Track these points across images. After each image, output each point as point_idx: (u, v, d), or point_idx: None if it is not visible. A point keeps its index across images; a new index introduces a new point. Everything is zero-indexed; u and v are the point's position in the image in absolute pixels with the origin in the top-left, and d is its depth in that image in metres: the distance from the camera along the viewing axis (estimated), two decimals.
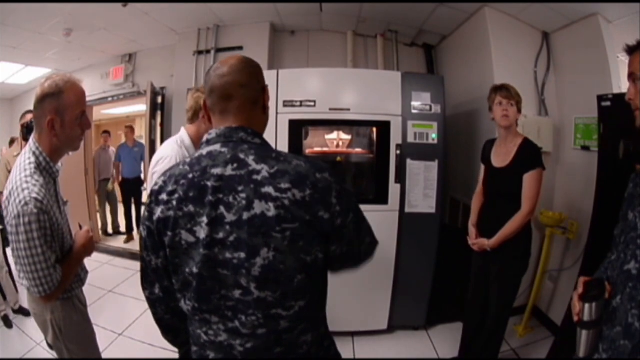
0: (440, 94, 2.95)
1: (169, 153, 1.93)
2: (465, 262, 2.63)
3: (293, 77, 2.96)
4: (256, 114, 1.10)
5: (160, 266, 1.07)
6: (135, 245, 5.54)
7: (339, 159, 3.09)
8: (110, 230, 6.27)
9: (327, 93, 2.91)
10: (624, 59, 1.47)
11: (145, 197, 1.16)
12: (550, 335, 3.09)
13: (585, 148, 2.96)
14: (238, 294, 0.98)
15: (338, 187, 1.04)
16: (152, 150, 4.67)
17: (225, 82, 1.05)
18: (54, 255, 1.41)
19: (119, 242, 5.89)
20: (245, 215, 0.96)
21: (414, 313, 3.19)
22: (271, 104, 2.82)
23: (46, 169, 1.46)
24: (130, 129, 6.20)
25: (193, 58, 4.37)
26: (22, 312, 3.34)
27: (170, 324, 1.18)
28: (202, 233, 0.98)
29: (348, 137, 3.18)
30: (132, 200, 6.02)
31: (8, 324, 3.24)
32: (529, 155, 2.27)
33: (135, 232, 5.99)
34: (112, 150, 6.29)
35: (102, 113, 7.75)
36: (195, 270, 0.99)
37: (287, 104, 2.89)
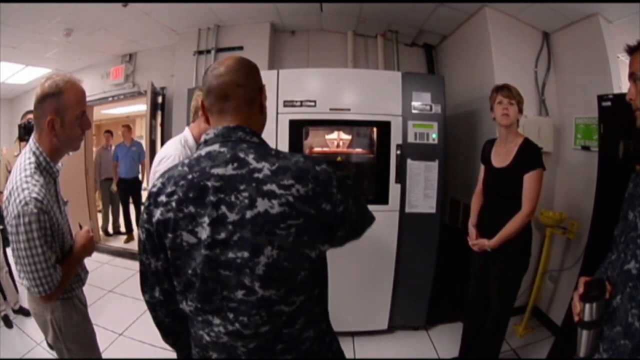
0: (441, 94, 2.95)
1: (172, 152, 1.94)
2: (466, 262, 2.63)
3: (293, 77, 2.96)
4: (253, 114, 1.11)
5: (160, 269, 1.06)
6: (135, 245, 5.53)
7: (339, 159, 3.09)
8: (110, 230, 6.27)
9: (328, 93, 2.91)
10: (625, 59, 1.47)
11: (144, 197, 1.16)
12: (550, 336, 3.09)
13: (585, 148, 2.96)
14: (241, 294, 0.98)
15: (336, 176, 1.06)
16: (153, 150, 4.68)
17: (222, 82, 1.05)
18: (54, 255, 1.41)
19: (119, 242, 5.89)
20: (248, 214, 0.95)
21: (414, 313, 3.19)
22: (272, 104, 2.86)
23: (46, 169, 1.46)
24: (127, 128, 6.15)
25: (193, 58, 4.37)
26: (22, 312, 3.34)
27: (171, 327, 1.17)
28: (203, 233, 0.97)
29: (348, 137, 3.18)
30: (130, 200, 5.99)
31: (8, 323, 3.24)
32: (530, 156, 2.27)
33: (135, 232, 5.98)
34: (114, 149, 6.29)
35: (102, 113, 7.76)
36: (197, 271, 0.99)
37: (288, 104, 2.89)
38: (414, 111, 2.92)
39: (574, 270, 2.93)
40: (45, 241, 1.35)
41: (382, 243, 2.99)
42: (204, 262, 0.98)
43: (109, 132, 6.45)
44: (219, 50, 4.29)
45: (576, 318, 1.13)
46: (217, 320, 1.02)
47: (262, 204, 0.95)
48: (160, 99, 4.81)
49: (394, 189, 2.94)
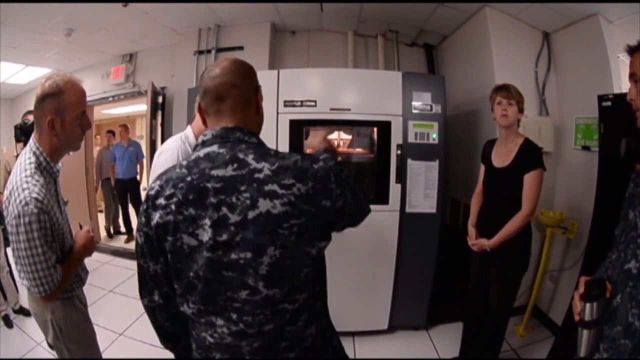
0: (441, 94, 2.95)
1: (171, 146, 1.94)
2: (466, 262, 2.63)
3: (294, 77, 2.96)
4: (250, 114, 1.11)
5: (160, 272, 1.05)
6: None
7: (339, 158, 3.08)
8: (112, 230, 6.25)
9: (328, 93, 2.91)
10: (625, 59, 1.47)
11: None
12: (550, 335, 3.08)
13: (585, 148, 2.96)
14: (245, 294, 0.98)
15: (333, 172, 1.07)
16: (153, 150, 4.67)
17: (217, 83, 1.06)
18: (54, 255, 1.41)
19: (119, 242, 5.89)
20: (250, 215, 0.95)
21: (415, 313, 3.18)
22: (272, 104, 2.86)
23: (46, 169, 1.46)
24: (125, 128, 6.10)
25: (194, 58, 4.37)
26: (23, 312, 3.34)
27: (170, 330, 1.16)
28: (205, 236, 0.97)
29: (349, 137, 3.18)
30: (127, 200, 5.95)
31: (9, 323, 3.24)
32: (530, 156, 2.26)
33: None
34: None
35: (102, 113, 7.75)
36: (200, 273, 0.98)
37: (288, 104, 2.89)
38: (414, 111, 2.91)
39: (574, 270, 2.92)
40: (45, 241, 1.35)
41: (382, 243, 2.99)
42: (207, 264, 0.97)
43: (111, 132, 6.43)
44: (220, 50, 4.29)
45: (577, 317, 1.13)
46: (220, 321, 1.02)
47: (263, 204, 0.95)
48: (160, 99, 4.81)
49: (395, 188, 2.94)
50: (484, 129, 3.35)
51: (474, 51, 3.62)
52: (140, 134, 7.98)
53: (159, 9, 3.87)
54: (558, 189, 3.32)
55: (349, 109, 2.89)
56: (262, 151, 1.03)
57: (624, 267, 1.08)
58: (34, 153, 1.44)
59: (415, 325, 3.26)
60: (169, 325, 1.15)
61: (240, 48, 4.24)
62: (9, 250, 1.86)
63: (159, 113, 4.79)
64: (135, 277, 1.12)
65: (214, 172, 0.98)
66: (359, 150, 3.19)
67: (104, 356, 1.90)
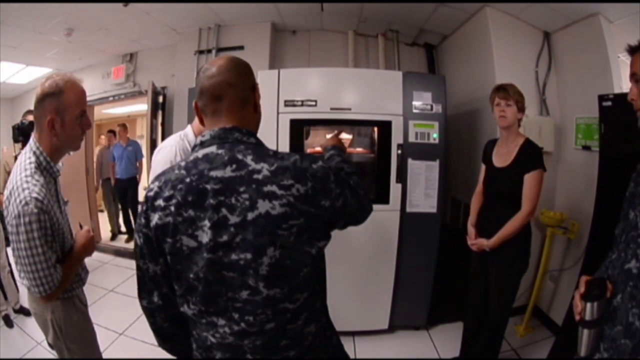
0: (442, 93, 2.95)
1: (170, 143, 1.94)
2: (466, 262, 2.63)
3: (294, 76, 2.95)
4: (248, 113, 1.11)
5: (159, 273, 1.05)
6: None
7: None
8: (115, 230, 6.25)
9: (328, 93, 2.91)
10: (625, 59, 1.47)
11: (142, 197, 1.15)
12: (551, 335, 3.08)
13: (586, 148, 2.95)
14: (246, 295, 0.98)
15: (332, 171, 1.07)
16: (153, 150, 4.67)
17: (214, 83, 1.05)
18: (54, 255, 1.41)
19: (120, 242, 5.90)
20: (250, 216, 0.95)
21: (415, 313, 3.19)
22: (272, 104, 2.86)
23: (46, 169, 1.46)
24: (123, 128, 6.06)
25: (194, 57, 4.37)
26: (23, 311, 3.34)
27: (169, 332, 1.16)
28: (204, 237, 0.97)
29: (349, 136, 3.17)
30: (127, 200, 5.92)
31: (9, 323, 3.24)
32: (530, 156, 2.26)
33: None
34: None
35: (103, 113, 7.75)
36: (200, 274, 0.98)
37: (288, 103, 2.89)
38: (414, 111, 2.91)
39: (574, 270, 2.92)
40: (45, 241, 1.35)
41: (382, 243, 2.99)
42: (207, 265, 0.97)
43: (112, 132, 6.41)
44: (220, 49, 4.29)
45: (577, 317, 1.13)
46: (222, 322, 1.02)
47: (262, 205, 0.95)
48: (161, 99, 4.81)
49: (395, 188, 2.94)
50: (485, 128, 3.35)
51: (475, 51, 3.62)
52: (140, 133, 7.97)
53: (159, 9, 3.87)
54: (558, 189, 3.32)
55: (350, 109, 2.89)
56: (261, 152, 1.02)
57: (624, 267, 1.07)
58: (34, 153, 1.44)
59: (416, 325, 3.26)
60: (167, 326, 1.14)
61: (241, 48, 4.24)
62: (10, 250, 1.86)
63: (160, 113, 4.79)
64: (135, 277, 1.11)
65: (213, 173, 0.98)
66: (359, 149, 3.19)
67: (104, 356, 1.90)
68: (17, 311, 3.39)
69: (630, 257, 1.06)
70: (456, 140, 3.83)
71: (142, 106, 5.36)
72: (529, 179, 2.23)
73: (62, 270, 1.43)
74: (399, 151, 2.90)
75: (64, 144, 1.50)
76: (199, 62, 4.34)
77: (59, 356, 1.63)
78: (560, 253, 3.20)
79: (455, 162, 3.88)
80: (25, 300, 2.59)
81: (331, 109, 2.89)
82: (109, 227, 6.17)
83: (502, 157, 2.39)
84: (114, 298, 3.92)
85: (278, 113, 2.88)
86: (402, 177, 2.93)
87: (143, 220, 1.03)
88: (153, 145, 4.69)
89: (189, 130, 2.02)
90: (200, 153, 1.03)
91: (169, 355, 1.24)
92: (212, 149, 1.02)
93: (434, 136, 2.93)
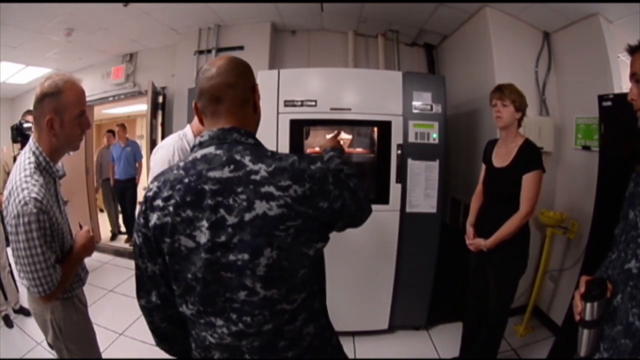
0: (441, 93, 2.95)
1: (168, 142, 1.93)
2: (466, 262, 2.63)
3: (294, 76, 2.95)
4: (247, 114, 1.10)
5: (158, 273, 1.05)
6: None
7: None
8: (115, 231, 6.24)
9: (328, 93, 2.91)
10: (625, 59, 1.47)
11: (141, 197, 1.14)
12: (550, 335, 3.09)
13: (586, 148, 2.95)
14: (243, 295, 0.98)
15: (331, 173, 1.07)
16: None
17: (213, 84, 1.05)
18: (54, 255, 1.41)
19: (120, 242, 5.89)
20: (247, 217, 0.95)
21: (415, 313, 3.19)
22: (272, 104, 2.86)
23: (46, 169, 1.46)
24: (122, 128, 6.03)
25: (194, 58, 4.37)
26: (23, 311, 3.34)
27: (167, 332, 1.16)
28: (202, 237, 0.97)
29: (349, 136, 3.17)
30: (125, 201, 5.90)
31: (9, 323, 3.24)
32: (529, 156, 2.26)
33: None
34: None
35: (103, 113, 7.75)
36: (198, 275, 0.98)
37: (288, 103, 2.89)
38: (414, 111, 2.92)
39: (574, 270, 2.92)
40: (44, 241, 1.35)
41: (382, 243, 2.99)
42: (205, 265, 0.97)
43: (111, 132, 6.39)
44: (220, 50, 4.29)
45: (577, 317, 1.13)
46: (220, 322, 1.02)
47: (260, 206, 0.95)
48: (161, 99, 4.80)
49: (395, 188, 2.94)
50: (484, 128, 3.35)
51: (474, 51, 3.62)
52: (140, 133, 7.97)
53: (159, 9, 3.87)
54: (558, 189, 3.32)
55: (350, 109, 2.89)
56: (259, 152, 1.02)
57: (624, 267, 1.08)
58: (34, 153, 1.44)
59: (416, 325, 3.26)
60: (165, 326, 1.14)
61: (241, 48, 4.24)
62: (10, 250, 1.87)
63: (160, 113, 4.78)
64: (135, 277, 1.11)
65: (211, 174, 0.98)
66: (359, 150, 3.19)
67: (104, 356, 1.90)
68: (17, 311, 3.39)
69: (630, 257, 1.06)
70: (456, 141, 3.83)
71: (142, 106, 5.36)
72: (528, 180, 2.23)
73: (61, 270, 1.43)
74: (399, 151, 2.90)
75: (63, 144, 1.50)
76: (199, 62, 4.34)
77: (59, 356, 1.63)
78: (560, 253, 3.20)
79: (455, 162, 3.88)
80: (25, 301, 2.59)
81: (331, 109, 2.89)
82: (108, 228, 6.17)
83: (501, 158, 2.39)
84: (114, 298, 3.91)
85: (278, 113, 2.88)
86: (402, 177, 2.93)
87: (142, 220, 1.03)
88: (153, 146, 4.68)
89: (187, 130, 2.02)
90: (198, 153, 1.03)
91: (168, 356, 1.24)
92: (211, 149, 1.02)
93: (434, 136, 2.93)
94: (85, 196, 5.66)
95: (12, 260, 1.56)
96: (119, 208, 6.13)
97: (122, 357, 2.83)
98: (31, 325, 2.94)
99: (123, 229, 6.14)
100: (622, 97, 2.11)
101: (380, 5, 3.78)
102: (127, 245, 5.61)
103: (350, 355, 1.27)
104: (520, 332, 3.15)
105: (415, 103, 2.91)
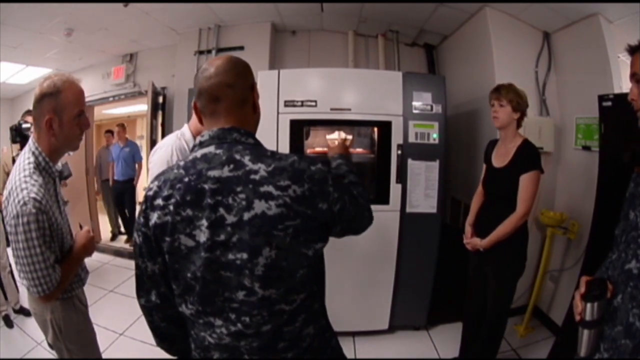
0: (442, 93, 2.95)
1: (166, 143, 1.93)
2: (466, 263, 2.63)
3: (294, 77, 2.95)
4: (246, 113, 1.11)
5: (158, 272, 1.05)
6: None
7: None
8: (115, 231, 6.23)
9: (328, 93, 2.91)
10: (625, 59, 1.47)
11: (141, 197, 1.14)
12: (551, 336, 3.08)
13: (586, 148, 2.95)
14: (242, 295, 0.98)
15: (332, 175, 1.07)
16: None
17: (212, 84, 1.05)
18: (53, 255, 1.41)
19: (119, 242, 5.90)
20: (246, 216, 0.95)
21: (415, 313, 3.19)
22: (272, 104, 2.86)
23: (45, 169, 1.46)
24: (122, 128, 6.01)
25: (194, 58, 4.37)
26: (23, 311, 3.34)
27: (167, 331, 1.15)
28: (202, 236, 0.97)
29: (349, 137, 3.17)
30: (124, 202, 5.89)
31: (9, 323, 3.24)
32: (527, 157, 2.24)
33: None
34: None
35: (103, 113, 7.75)
36: (198, 274, 0.98)
37: (288, 104, 2.89)
38: (414, 111, 2.91)
39: (574, 270, 2.92)
40: (44, 241, 1.35)
41: (382, 243, 2.98)
42: (205, 264, 0.97)
43: (110, 132, 6.39)
44: (220, 50, 4.29)
45: (577, 317, 1.13)
46: (219, 322, 1.02)
47: (259, 206, 0.95)
48: (161, 99, 4.81)
49: (395, 188, 2.94)
50: (484, 129, 3.35)
51: (474, 51, 3.61)
52: (140, 134, 7.97)
53: (159, 9, 3.87)
54: (558, 189, 3.32)
55: (350, 109, 2.89)
56: (259, 152, 1.02)
57: (624, 267, 1.08)
58: (33, 153, 1.44)
59: (416, 325, 3.26)
60: (165, 325, 1.14)
61: (241, 48, 4.24)
62: (9, 250, 1.87)
63: (160, 113, 4.79)
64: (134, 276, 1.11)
65: (211, 173, 0.98)
66: (359, 150, 3.19)
67: (104, 356, 1.90)
68: (17, 311, 3.39)
69: (631, 257, 1.06)
70: (456, 141, 3.83)
71: (142, 106, 5.36)
72: (525, 180, 2.21)
73: (61, 271, 1.43)
74: (399, 151, 2.90)
75: (63, 144, 1.50)
76: (199, 62, 4.34)
77: (59, 356, 1.63)
78: (560, 253, 3.20)
79: (455, 162, 3.88)
80: (25, 301, 2.59)
81: (331, 109, 2.89)
82: (109, 228, 6.17)
83: (500, 158, 2.39)
84: (114, 298, 3.91)
85: (278, 113, 2.88)
86: (402, 178, 2.93)
87: (142, 220, 1.03)
88: (153, 146, 4.67)
89: (185, 129, 2.02)
90: (198, 153, 1.03)
91: (168, 356, 1.24)
92: (211, 149, 1.03)
93: (434, 136, 2.93)
94: (85, 196, 5.66)
95: (12, 260, 1.56)
96: (118, 209, 6.09)
97: (122, 357, 2.83)
98: (31, 325, 2.94)
99: (123, 229, 6.13)
100: (622, 97, 2.11)
101: (380, 6, 3.78)
102: (127, 246, 5.61)
103: (350, 355, 1.27)
104: (520, 332, 3.15)
105: (416, 103, 2.91)
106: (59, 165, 1.55)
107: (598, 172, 2.51)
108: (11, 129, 2.95)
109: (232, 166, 0.99)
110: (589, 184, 2.67)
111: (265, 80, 2.87)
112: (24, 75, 5.38)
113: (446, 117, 2.98)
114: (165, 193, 1.00)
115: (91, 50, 4.83)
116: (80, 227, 1.67)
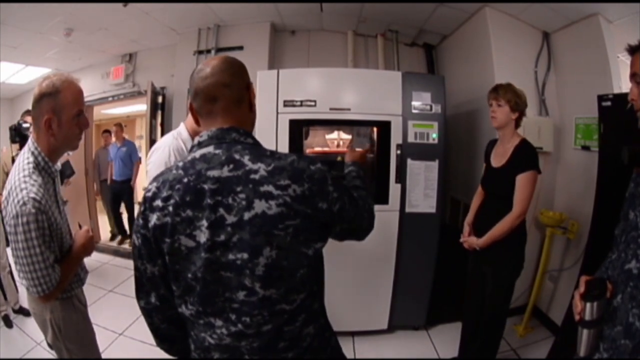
0: (441, 93, 2.95)
1: (163, 143, 1.93)
2: (465, 262, 2.63)
3: (293, 76, 2.95)
4: (243, 113, 1.11)
5: (157, 274, 1.04)
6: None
7: (339, 158, 3.07)
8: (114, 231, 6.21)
9: (328, 93, 2.91)
10: (625, 59, 1.47)
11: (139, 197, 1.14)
12: (550, 335, 3.08)
13: (585, 148, 2.95)
14: (242, 295, 0.98)
15: (331, 175, 1.07)
16: None
17: (208, 84, 1.05)
18: (53, 255, 1.41)
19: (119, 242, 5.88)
20: (246, 216, 0.95)
21: (414, 313, 3.18)
22: (272, 104, 2.86)
23: (45, 169, 1.46)
24: (119, 127, 5.99)
25: (193, 58, 4.37)
26: (23, 311, 3.34)
27: (167, 332, 1.15)
28: (202, 237, 0.97)
29: (348, 136, 3.18)
30: (120, 202, 5.88)
31: (8, 323, 3.24)
32: (524, 157, 2.24)
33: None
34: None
35: (102, 113, 7.75)
36: (198, 274, 0.98)
37: (288, 103, 2.88)
38: (414, 111, 2.91)
39: (574, 270, 2.92)
40: (43, 241, 1.35)
41: (382, 243, 2.98)
42: (205, 265, 0.97)
43: (107, 132, 6.37)
44: (219, 50, 4.28)
45: (577, 317, 1.13)
46: (219, 322, 1.01)
47: (259, 205, 0.95)
48: (160, 99, 4.80)
49: (394, 188, 2.94)
50: (484, 128, 3.35)
51: (474, 51, 3.61)
52: (140, 133, 7.96)
53: (159, 9, 3.87)
54: (558, 189, 3.32)
55: (349, 109, 2.89)
56: (258, 152, 1.02)
57: (624, 267, 1.08)
58: (32, 153, 1.44)
59: (415, 325, 3.26)
60: (165, 327, 1.14)
61: (240, 48, 4.24)
62: (9, 250, 1.86)
63: (159, 113, 4.78)
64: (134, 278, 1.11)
65: (210, 173, 0.98)
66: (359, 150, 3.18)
67: (103, 356, 1.90)
68: (16, 311, 3.38)
69: (631, 257, 1.06)
70: (455, 141, 3.84)
71: (141, 106, 5.36)
72: (521, 180, 2.21)
73: (60, 270, 1.42)
74: (398, 151, 2.90)
75: (62, 144, 1.50)
76: (199, 62, 4.31)
77: (58, 356, 1.63)
78: (559, 253, 3.20)
79: (455, 162, 3.88)
80: (24, 301, 2.58)
81: (330, 109, 2.88)
82: (108, 228, 6.16)
83: (498, 157, 2.39)
84: (113, 298, 3.91)
85: (277, 113, 2.88)
86: (401, 177, 2.93)
87: (141, 221, 1.03)
88: (152, 146, 4.68)
89: (182, 128, 2.02)
90: (197, 153, 1.03)
91: (168, 356, 1.24)
92: (210, 149, 1.03)
93: (433, 136, 2.93)
94: (84, 196, 5.65)
95: (11, 260, 1.56)
96: (113, 211, 6.06)
97: (121, 357, 2.83)
98: (31, 325, 2.94)
99: (117, 229, 6.10)
100: (621, 97, 2.11)
101: (380, 5, 3.78)
102: (126, 246, 5.60)
103: (349, 355, 1.27)
104: (519, 332, 3.15)
105: (415, 103, 2.91)
106: (59, 165, 1.54)
107: (597, 172, 2.51)
108: (10, 128, 2.95)
109: (231, 166, 0.98)
110: (589, 184, 2.67)
111: (264, 80, 2.87)
112: (24, 75, 5.37)
113: (445, 117, 2.98)
114: (164, 194, 1.00)
115: (91, 50, 4.83)
116: (80, 226, 1.67)
